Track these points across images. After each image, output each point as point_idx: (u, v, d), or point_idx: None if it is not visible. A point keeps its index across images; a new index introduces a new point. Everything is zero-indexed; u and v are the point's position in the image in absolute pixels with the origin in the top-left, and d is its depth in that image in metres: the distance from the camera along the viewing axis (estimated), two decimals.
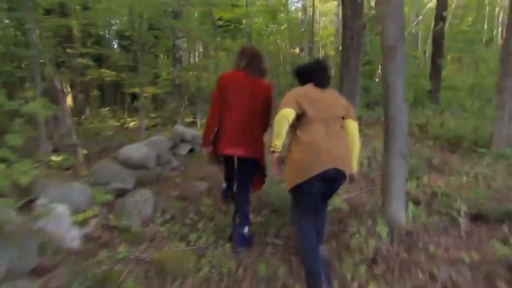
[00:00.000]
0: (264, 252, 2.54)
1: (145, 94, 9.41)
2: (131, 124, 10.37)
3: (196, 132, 5.28)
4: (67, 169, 4.04)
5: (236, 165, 2.51)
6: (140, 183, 3.51)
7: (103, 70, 9.35)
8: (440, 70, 10.47)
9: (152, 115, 9.40)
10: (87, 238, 2.60)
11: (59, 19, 6.16)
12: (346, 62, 5.29)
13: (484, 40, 15.06)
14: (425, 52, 15.35)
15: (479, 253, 2.42)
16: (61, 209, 2.53)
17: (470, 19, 15.69)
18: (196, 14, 15.51)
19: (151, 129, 9.76)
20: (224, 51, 13.57)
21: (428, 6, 15.39)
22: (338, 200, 3.27)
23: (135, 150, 3.64)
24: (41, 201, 2.57)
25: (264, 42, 15.24)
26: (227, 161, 2.62)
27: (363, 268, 2.23)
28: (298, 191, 2.05)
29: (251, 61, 2.51)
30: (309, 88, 2.14)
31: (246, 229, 2.56)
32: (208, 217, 3.10)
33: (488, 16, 16.35)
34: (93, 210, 2.78)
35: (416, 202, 3.16)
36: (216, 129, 2.52)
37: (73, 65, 10.27)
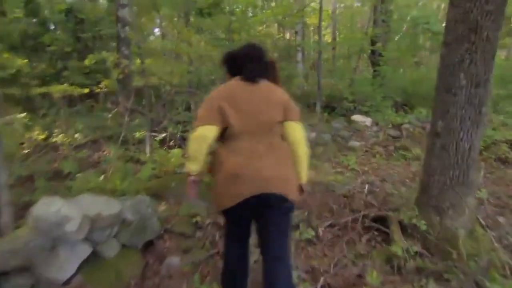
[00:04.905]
0: None
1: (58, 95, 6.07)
2: (60, 137, 6.91)
3: (110, 209, 2.09)
4: None
5: None
6: None
7: (5, 55, 5.90)
8: None
9: (79, 126, 5.95)
10: None
11: None
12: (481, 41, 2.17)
13: None
14: None
15: None
16: None
17: None
18: None
19: (79, 150, 6.37)
20: (200, 33, 10.02)
21: None
22: None
23: None
24: None
25: (249, 22, 11.69)
26: None
27: None
28: (224, 215, 1.70)
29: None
30: (235, 85, 1.63)
31: None
32: None
33: None
34: None
35: None
36: None
37: None
